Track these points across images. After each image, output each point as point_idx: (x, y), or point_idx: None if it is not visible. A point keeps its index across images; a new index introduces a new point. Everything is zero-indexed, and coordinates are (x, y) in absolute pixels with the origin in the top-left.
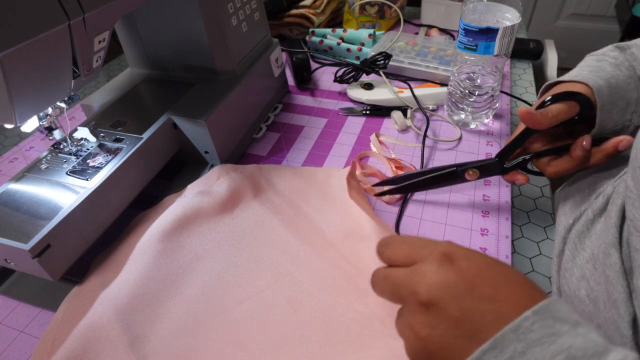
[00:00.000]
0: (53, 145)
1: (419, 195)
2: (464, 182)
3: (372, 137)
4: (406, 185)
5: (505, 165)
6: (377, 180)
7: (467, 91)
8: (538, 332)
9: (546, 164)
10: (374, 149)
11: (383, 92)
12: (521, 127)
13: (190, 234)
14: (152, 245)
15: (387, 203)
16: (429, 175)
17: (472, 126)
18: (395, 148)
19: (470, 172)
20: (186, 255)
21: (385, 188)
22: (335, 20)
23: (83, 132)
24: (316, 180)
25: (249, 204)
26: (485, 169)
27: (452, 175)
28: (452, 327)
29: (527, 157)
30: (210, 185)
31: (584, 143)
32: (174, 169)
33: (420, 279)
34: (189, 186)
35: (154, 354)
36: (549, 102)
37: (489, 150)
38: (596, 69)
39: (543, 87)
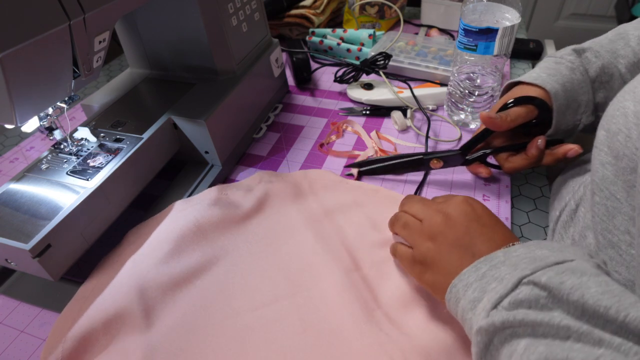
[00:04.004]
0: (53, 146)
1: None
2: (428, 169)
3: (373, 134)
4: (375, 168)
5: (467, 157)
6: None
7: (467, 91)
8: (520, 252)
9: (504, 159)
10: (372, 144)
11: (383, 92)
12: (483, 127)
13: (224, 230)
14: (185, 233)
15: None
16: (397, 161)
17: (472, 126)
18: (395, 148)
19: (435, 161)
20: (215, 249)
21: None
22: (335, 20)
23: (83, 132)
24: (360, 194)
25: (286, 209)
26: (448, 159)
27: (418, 162)
28: (453, 240)
29: (488, 151)
30: (252, 187)
31: (539, 142)
32: (174, 169)
33: (446, 204)
34: (226, 186)
35: (162, 344)
36: (511, 105)
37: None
38: (554, 72)
39: (505, 85)
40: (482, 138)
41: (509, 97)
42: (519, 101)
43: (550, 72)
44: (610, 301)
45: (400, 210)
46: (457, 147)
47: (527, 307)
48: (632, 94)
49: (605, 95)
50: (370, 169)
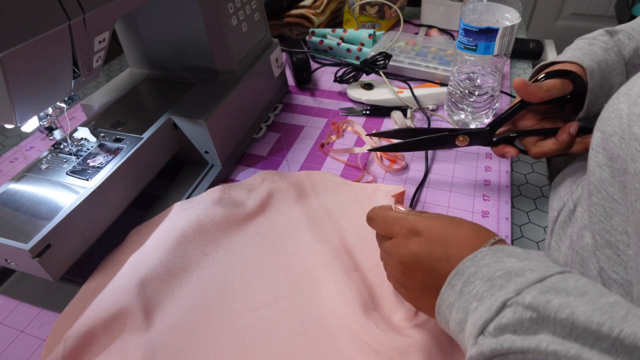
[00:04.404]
0: (53, 145)
1: (418, 196)
2: (454, 147)
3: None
4: (400, 144)
5: (493, 139)
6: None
7: (467, 91)
8: (488, 259)
9: (532, 143)
10: (372, 144)
11: (383, 92)
12: (516, 101)
13: (226, 230)
14: (188, 232)
15: (386, 171)
16: (422, 137)
17: (472, 126)
18: None
19: (461, 138)
20: (217, 249)
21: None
22: (335, 20)
23: (83, 132)
24: (362, 195)
25: (288, 209)
26: (475, 136)
27: (443, 139)
28: (420, 284)
29: (516, 133)
30: (255, 187)
31: (571, 129)
32: (174, 169)
33: (396, 250)
34: (229, 186)
35: (162, 344)
36: (542, 79)
37: (489, 150)
38: (588, 52)
39: (537, 67)
40: (514, 113)
41: (542, 75)
42: (552, 75)
43: (584, 51)
44: (602, 317)
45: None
46: (487, 125)
47: (512, 331)
48: (626, 96)
49: None
50: (393, 145)
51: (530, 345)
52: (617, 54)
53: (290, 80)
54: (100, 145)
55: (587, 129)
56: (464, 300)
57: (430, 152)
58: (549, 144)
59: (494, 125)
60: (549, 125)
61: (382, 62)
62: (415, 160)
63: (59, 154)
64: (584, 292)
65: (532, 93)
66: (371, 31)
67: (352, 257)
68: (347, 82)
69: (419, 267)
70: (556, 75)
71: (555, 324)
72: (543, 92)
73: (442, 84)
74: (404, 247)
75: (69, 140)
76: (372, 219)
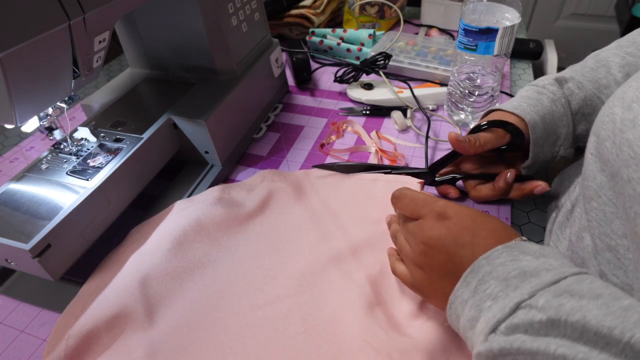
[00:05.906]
0: (53, 145)
1: None
2: None
3: (373, 134)
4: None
5: (436, 179)
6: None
7: (467, 91)
8: (503, 258)
9: (472, 187)
10: (372, 144)
11: (383, 92)
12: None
13: (227, 229)
14: (188, 232)
15: None
16: (363, 174)
17: (472, 126)
18: (395, 148)
19: None
20: (218, 248)
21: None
22: (335, 20)
23: (83, 132)
24: (361, 186)
25: (290, 208)
26: (416, 176)
27: None
28: (440, 267)
29: (457, 176)
30: (254, 187)
31: (508, 177)
32: (174, 169)
33: (421, 231)
34: (229, 186)
35: (164, 342)
36: (484, 126)
37: None
38: (535, 102)
39: (485, 112)
40: (451, 159)
41: (485, 121)
42: (494, 124)
43: (531, 102)
44: (614, 322)
45: (394, 219)
46: (426, 167)
47: (524, 331)
48: (621, 100)
49: (587, 127)
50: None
51: (539, 347)
52: (563, 106)
53: (290, 80)
54: (101, 145)
55: (525, 177)
56: (478, 298)
57: (430, 153)
58: (486, 189)
59: (433, 167)
60: (491, 170)
61: (382, 62)
62: (415, 160)
63: (59, 154)
64: (598, 295)
65: (464, 148)
66: (371, 31)
67: (353, 255)
68: (347, 82)
69: (443, 251)
70: (497, 125)
71: (566, 327)
72: (475, 148)
73: (442, 84)
74: (431, 229)
75: (69, 140)
76: (400, 198)
